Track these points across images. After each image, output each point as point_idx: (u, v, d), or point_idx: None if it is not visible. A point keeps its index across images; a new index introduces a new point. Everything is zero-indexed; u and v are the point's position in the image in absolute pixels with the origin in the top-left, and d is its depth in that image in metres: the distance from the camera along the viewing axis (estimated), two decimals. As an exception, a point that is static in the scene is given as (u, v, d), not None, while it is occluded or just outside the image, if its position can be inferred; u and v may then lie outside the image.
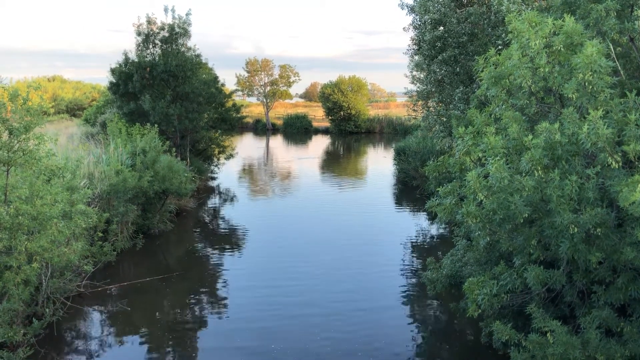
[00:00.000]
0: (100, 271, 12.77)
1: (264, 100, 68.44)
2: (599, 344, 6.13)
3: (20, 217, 8.59)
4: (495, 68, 7.27)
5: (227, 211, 21.53)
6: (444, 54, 15.36)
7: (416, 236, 17.51)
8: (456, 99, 15.02)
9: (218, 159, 28.52)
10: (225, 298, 12.07)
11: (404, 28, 20.31)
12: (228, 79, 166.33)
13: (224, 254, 15.44)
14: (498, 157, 6.33)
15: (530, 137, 6.23)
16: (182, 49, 23.25)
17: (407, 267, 14.31)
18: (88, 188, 12.25)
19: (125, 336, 10.14)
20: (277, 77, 68.97)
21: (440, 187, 8.46)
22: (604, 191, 5.97)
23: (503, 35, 12.08)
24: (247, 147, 46.70)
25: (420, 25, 16.77)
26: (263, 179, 30.28)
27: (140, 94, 22.14)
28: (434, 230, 18.13)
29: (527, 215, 6.20)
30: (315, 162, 37.31)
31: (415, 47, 18.55)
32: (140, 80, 22.18)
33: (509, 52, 7.05)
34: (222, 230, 18.66)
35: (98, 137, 22.16)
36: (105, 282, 12.38)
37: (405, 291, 12.53)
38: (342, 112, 60.05)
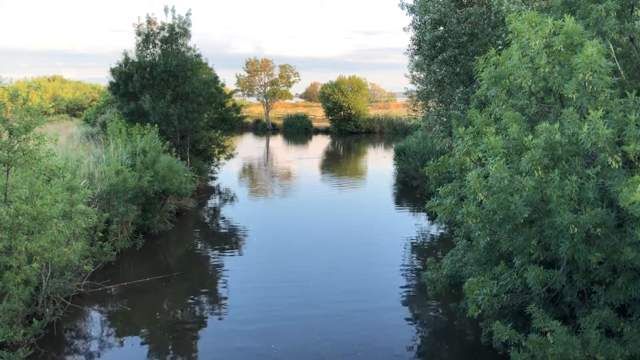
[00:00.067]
0: (100, 271, 12.77)
1: (264, 100, 68.43)
2: (599, 344, 6.13)
3: (20, 217, 8.59)
4: (495, 68, 7.27)
5: (227, 211, 21.52)
6: (444, 54, 15.36)
7: (416, 236, 17.51)
8: (456, 99, 15.01)
9: (218, 159, 28.50)
10: (225, 298, 12.07)
11: (404, 28, 20.35)
12: (228, 79, 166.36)
13: (224, 254, 15.44)
14: (498, 157, 6.33)
15: (530, 137, 6.23)
16: (182, 49, 23.24)
17: (407, 267, 14.30)
18: (88, 188, 12.25)
19: (125, 336, 10.14)
20: (277, 77, 68.93)
21: (440, 187, 8.46)
22: (604, 191, 5.97)
23: (503, 35, 12.08)
24: (247, 147, 46.68)
25: (420, 25, 16.77)
26: (263, 179, 30.27)
27: (140, 94, 22.14)
28: (434, 230, 18.12)
29: (527, 215, 6.20)
30: (315, 162, 37.30)
31: (415, 47, 18.56)
32: (140, 80, 22.17)
33: (509, 52, 7.05)
34: (222, 231, 18.66)
35: (98, 137, 22.13)
36: (105, 282, 12.39)
37: (406, 291, 12.53)
38: (342, 112, 60.04)
